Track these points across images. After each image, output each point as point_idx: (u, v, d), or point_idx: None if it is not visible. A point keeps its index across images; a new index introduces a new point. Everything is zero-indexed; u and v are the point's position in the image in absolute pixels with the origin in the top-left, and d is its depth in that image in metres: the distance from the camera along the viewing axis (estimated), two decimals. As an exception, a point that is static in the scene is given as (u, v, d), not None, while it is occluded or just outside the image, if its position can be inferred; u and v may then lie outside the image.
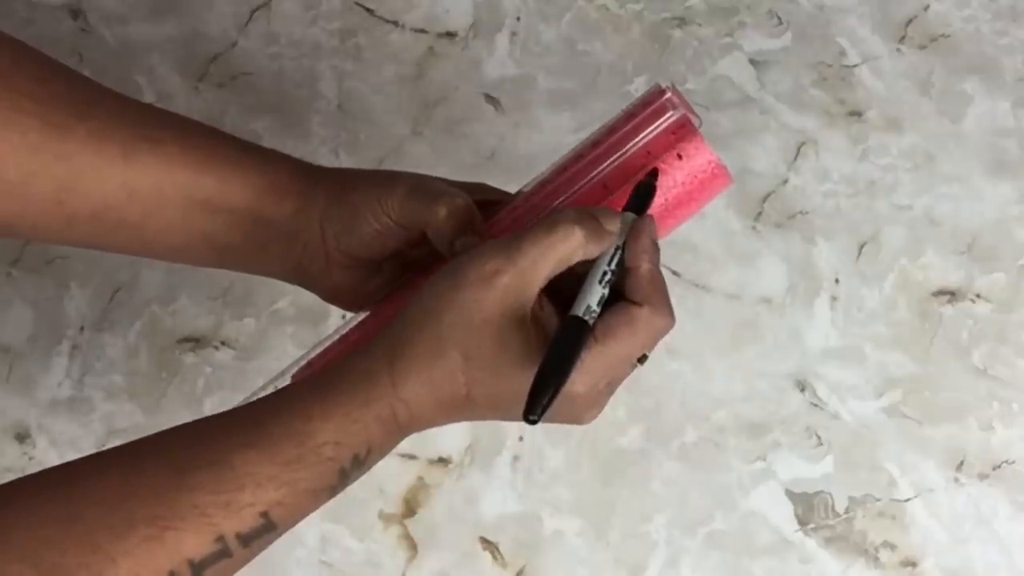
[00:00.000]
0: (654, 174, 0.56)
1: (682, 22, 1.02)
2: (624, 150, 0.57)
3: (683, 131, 0.57)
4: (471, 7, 1.02)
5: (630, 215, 0.54)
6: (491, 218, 0.59)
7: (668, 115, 0.57)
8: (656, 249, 0.54)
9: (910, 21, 1.02)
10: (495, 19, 1.02)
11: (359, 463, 0.52)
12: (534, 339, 0.51)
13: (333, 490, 0.52)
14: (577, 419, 0.54)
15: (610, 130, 0.58)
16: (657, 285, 0.53)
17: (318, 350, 0.62)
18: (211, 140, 0.59)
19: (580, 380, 0.51)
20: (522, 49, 1.01)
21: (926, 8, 1.02)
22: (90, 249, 0.60)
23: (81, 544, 0.46)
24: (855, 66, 1.00)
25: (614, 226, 0.53)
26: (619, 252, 0.53)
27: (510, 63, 1.01)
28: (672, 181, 0.57)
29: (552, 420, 0.53)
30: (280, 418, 0.51)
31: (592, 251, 0.52)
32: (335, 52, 1.00)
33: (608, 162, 0.57)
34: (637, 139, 0.57)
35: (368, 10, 1.02)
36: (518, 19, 1.02)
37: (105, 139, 0.56)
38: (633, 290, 0.53)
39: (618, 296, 0.53)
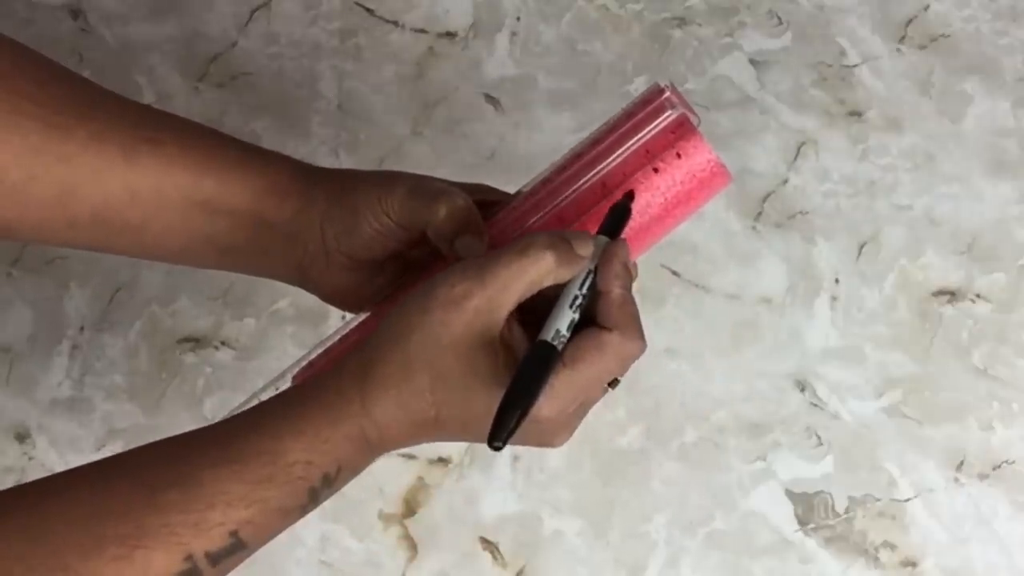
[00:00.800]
0: (630, 196, 0.56)
1: (682, 22, 1.02)
2: (623, 149, 0.57)
3: (682, 130, 0.57)
4: (471, 7, 1.02)
5: (603, 238, 0.54)
6: (491, 218, 0.59)
7: (667, 114, 0.56)
8: (628, 274, 0.54)
9: (910, 21, 1.02)
10: (495, 19, 1.02)
11: (329, 482, 0.52)
12: (503, 362, 0.51)
13: (303, 509, 0.52)
14: (547, 443, 0.54)
15: (610, 129, 0.58)
16: (628, 310, 0.53)
17: (319, 350, 0.62)
18: (211, 142, 0.59)
19: (548, 405, 0.51)
20: (522, 49, 1.01)
21: (926, 8, 1.02)
22: (92, 251, 0.60)
23: (49, 562, 0.46)
24: (855, 66, 1.00)
25: (586, 250, 0.53)
26: (591, 276, 0.53)
27: (510, 63, 1.01)
28: (671, 180, 0.57)
29: (521, 443, 0.52)
30: (251, 436, 0.51)
31: (563, 275, 0.52)
32: (335, 52, 1.01)
33: (607, 161, 0.57)
34: (636, 138, 0.57)
35: (368, 10, 1.02)
36: (518, 19, 1.02)
37: (106, 141, 0.55)
38: (604, 315, 0.53)
39: (589, 320, 0.53)
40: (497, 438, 0.48)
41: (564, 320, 0.51)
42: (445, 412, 0.52)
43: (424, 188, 0.57)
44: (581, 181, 0.57)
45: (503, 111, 0.99)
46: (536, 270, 0.51)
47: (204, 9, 1.02)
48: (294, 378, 0.61)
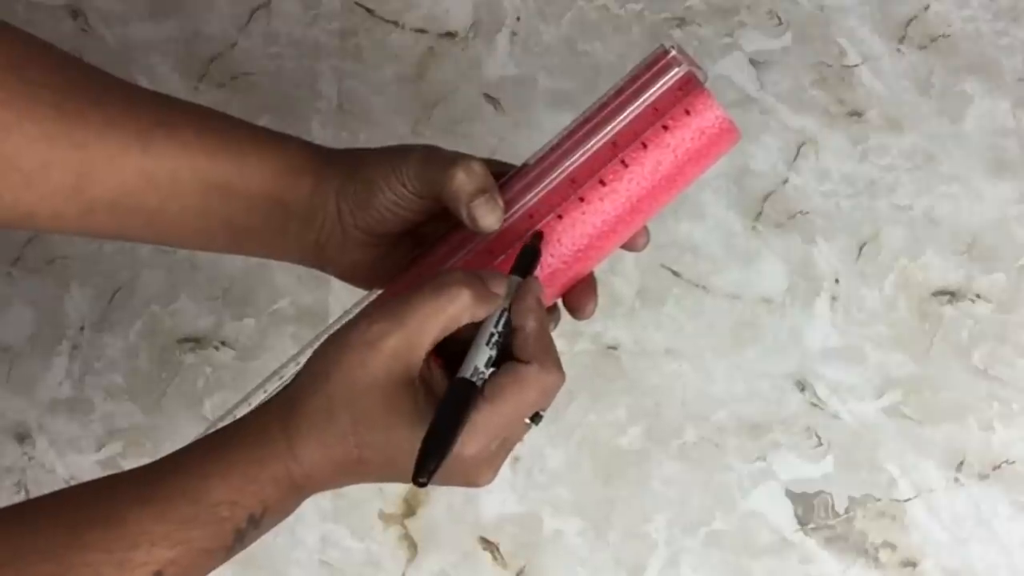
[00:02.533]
0: (538, 237, 0.57)
1: (682, 22, 1.02)
2: (633, 107, 0.57)
3: (689, 86, 0.57)
4: (471, 7, 1.02)
5: (515, 278, 0.55)
6: (503, 184, 0.59)
7: (674, 72, 0.57)
8: (542, 308, 0.54)
9: (910, 21, 1.02)
10: (495, 19, 1.02)
11: (255, 523, 0.51)
12: (423, 402, 0.51)
13: (229, 550, 0.51)
14: (472, 481, 0.54)
15: (617, 91, 0.59)
16: (544, 343, 0.53)
17: (337, 327, 0.61)
18: (224, 125, 0.59)
19: (470, 442, 0.51)
20: (522, 49, 1.01)
21: (926, 8, 1.02)
22: (109, 240, 0.60)
23: None
24: (855, 66, 1.00)
25: (500, 288, 0.53)
26: (505, 314, 0.53)
27: (510, 63, 1.01)
28: (681, 137, 0.57)
29: (445, 483, 0.52)
30: (176, 476, 0.50)
31: (479, 313, 0.52)
32: (335, 52, 1.01)
33: (617, 120, 0.57)
34: (645, 96, 0.57)
35: (368, 10, 1.02)
36: (518, 19, 1.02)
37: (120, 126, 0.56)
38: (520, 349, 0.53)
39: (507, 357, 0.53)
40: (421, 474, 0.48)
41: (482, 357, 0.51)
42: (368, 453, 0.52)
43: (438, 155, 0.57)
44: (592, 142, 0.58)
45: (503, 111, 0.99)
46: (453, 308, 0.51)
47: (204, 9, 1.02)
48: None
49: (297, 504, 0.53)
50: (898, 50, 1.01)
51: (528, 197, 0.58)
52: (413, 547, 0.86)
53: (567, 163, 0.58)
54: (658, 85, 0.57)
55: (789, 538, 0.87)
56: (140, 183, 0.56)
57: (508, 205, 0.58)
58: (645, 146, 0.57)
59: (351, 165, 0.59)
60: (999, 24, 1.02)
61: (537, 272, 0.57)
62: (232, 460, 0.51)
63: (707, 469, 0.88)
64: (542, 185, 0.58)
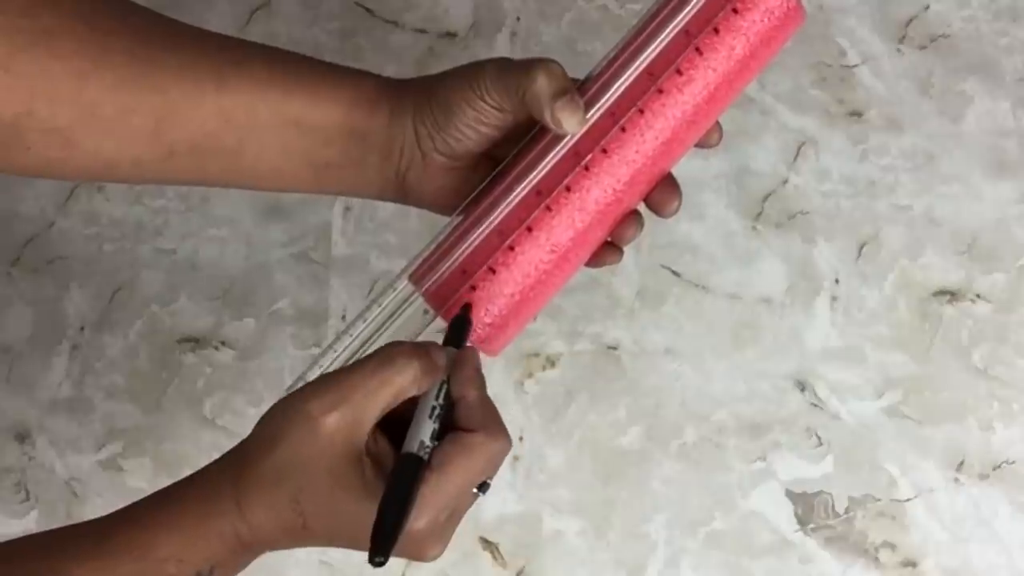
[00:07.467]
0: (467, 308, 0.57)
1: (682, 22, 1.02)
2: None
3: None
4: (471, 7, 1.02)
5: (451, 349, 0.55)
6: (580, 88, 0.59)
7: None
8: (481, 377, 0.54)
9: (910, 21, 1.02)
10: (495, 19, 1.02)
11: None
12: (370, 474, 0.51)
13: None
14: (421, 555, 0.53)
15: None
16: (488, 410, 0.53)
17: (432, 245, 0.61)
18: (295, 60, 0.60)
19: (420, 515, 0.50)
20: (522, 49, 1.01)
21: (926, 8, 1.02)
22: (188, 185, 0.60)
23: None
24: (855, 66, 1.00)
25: (443, 360, 0.53)
26: (444, 386, 0.53)
27: (510, 63, 1.01)
28: (752, 19, 0.57)
29: (396, 556, 0.52)
30: (125, 530, 0.51)
31: (425, 385, 0.52)
32: (335, 52, 1.00)
33: (687, 9, 0.58)
34: None
35: (368, 10, 1.02)
36: (518, 19, 1.02)
37: (194, 67, 0.56)
38: (465, 418, 0.52)
39: (449, 428, 0.53)
40: (377, 555, 0.48)
41: (426, 430, 0.51)
42: (313, 522, 0.52)
43: (513, 63, 0.57)
44: (664, 33, 0.58)
45: (503, 111, 0.99)
46: (402, 379, 0.51)
47: (204, 9, 1.02)
48: (410, 277, 0.61)
49: (248, 562, 0.53)
50: (898, 50, 1.01)
51: (608, 95, 0.58)
52: (413, 547, 0.86)
53: (643, 56, 0.58)
54: None
55: (789, 538, 0.87)
56: (218, 123, 0.57)
57: (588, 105, 0.58)
58: (717, 31, 0.57)
59: (426, 89, 0.59)
60: (999, 24, 1.02)
61: (624, 171, 0.57)
62: (180, 516, 0.51)
63: (707, 469, 0.88)
64: (621, 80, 0.58)
